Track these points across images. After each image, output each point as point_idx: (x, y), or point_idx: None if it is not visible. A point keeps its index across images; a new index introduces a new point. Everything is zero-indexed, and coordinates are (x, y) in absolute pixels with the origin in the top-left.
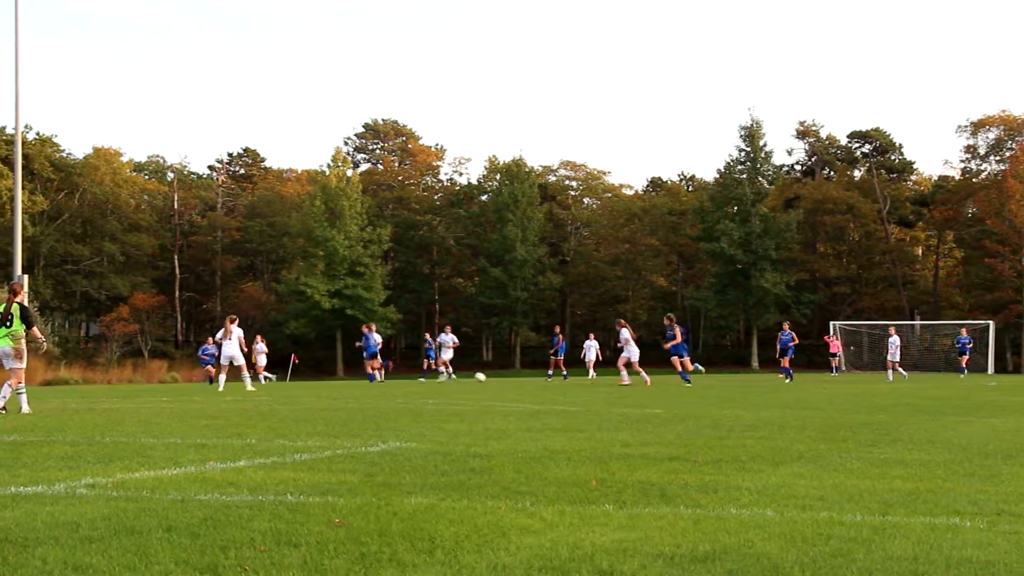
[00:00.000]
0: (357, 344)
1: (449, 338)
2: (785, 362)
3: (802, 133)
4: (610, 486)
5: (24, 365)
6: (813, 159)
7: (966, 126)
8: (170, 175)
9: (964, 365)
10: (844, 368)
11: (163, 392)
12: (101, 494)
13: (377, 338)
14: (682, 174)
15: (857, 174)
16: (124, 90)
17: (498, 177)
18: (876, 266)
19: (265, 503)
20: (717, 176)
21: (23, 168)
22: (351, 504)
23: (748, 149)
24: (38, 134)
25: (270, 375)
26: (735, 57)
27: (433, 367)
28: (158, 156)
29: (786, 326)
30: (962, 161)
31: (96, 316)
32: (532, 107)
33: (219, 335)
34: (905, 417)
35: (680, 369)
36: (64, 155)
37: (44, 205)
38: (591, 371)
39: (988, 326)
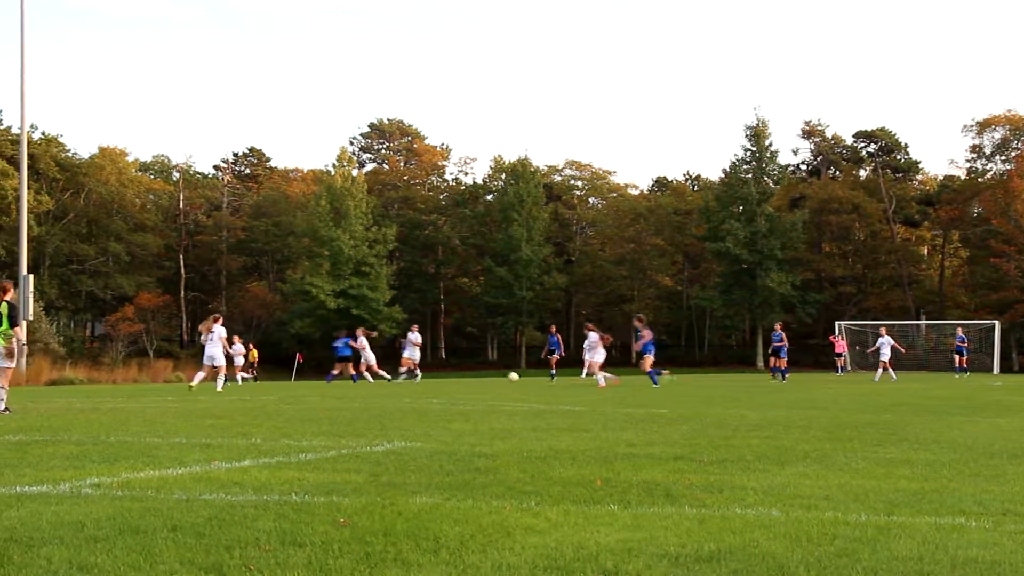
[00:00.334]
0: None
1: (415, 336)
2: (782, 363)
3: (808, 133)
4: (615, 486)
5: (14, 364)
6: (819, 159)
7: (972, 126)
8: (176, 175)
9: (963, 365)
10: (850, 368)
11: (168, 392)
12: (106, 494)
13: (364, 342)
14: (687, 174)
15: (863, 174)
16: (130, 90)
17: (503, 177)
18: (882, 266)
19: (270, 503)
20: (723, 176)
21: (29, 168)
22: (356, 504)
23: (754, 149)
24: (44, 134)
25: (246, 375)
26: (741, 57)
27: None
28: (163, 156)
29: (777, 327)
30: (968, 161)
31: (101, 316)
32: (538, 107)
33: (202, 336)
34: (910, 417)
35: (649, 369)
36: (70, 155)
37: (50, 205)
38: (584, 371)
39: (994, 326)
